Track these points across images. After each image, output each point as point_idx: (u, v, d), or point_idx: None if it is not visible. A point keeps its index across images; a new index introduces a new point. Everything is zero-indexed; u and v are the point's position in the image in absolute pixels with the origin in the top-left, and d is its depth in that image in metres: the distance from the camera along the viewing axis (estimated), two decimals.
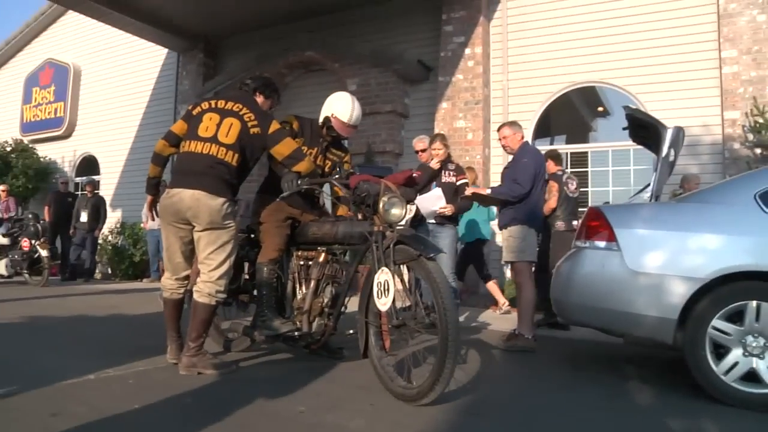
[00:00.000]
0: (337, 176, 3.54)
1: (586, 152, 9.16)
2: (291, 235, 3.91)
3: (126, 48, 13.61)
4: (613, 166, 8.77)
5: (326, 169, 4.16)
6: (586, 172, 8.98)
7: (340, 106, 4.05)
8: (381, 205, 3.13)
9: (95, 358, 3.87)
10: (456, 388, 3.23)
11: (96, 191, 11.84)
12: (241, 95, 3.84)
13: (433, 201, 5.35)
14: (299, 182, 3.58)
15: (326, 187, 3.99)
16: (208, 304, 3.55)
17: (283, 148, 3.68)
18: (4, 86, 16.34)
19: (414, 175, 3.62)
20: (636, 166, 8.51)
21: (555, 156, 6.64)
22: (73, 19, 14.66)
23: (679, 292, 3.42)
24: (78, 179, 14.42)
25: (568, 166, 9.05)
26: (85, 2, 10.33)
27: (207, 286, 3.53)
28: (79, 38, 14.72)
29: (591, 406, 3.27)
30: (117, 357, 3.89)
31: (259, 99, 3.93)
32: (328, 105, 4.10)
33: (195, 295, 3.56)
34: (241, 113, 3.65)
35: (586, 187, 8.91)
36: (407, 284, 3.16)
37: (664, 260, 3.58)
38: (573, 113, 10.32)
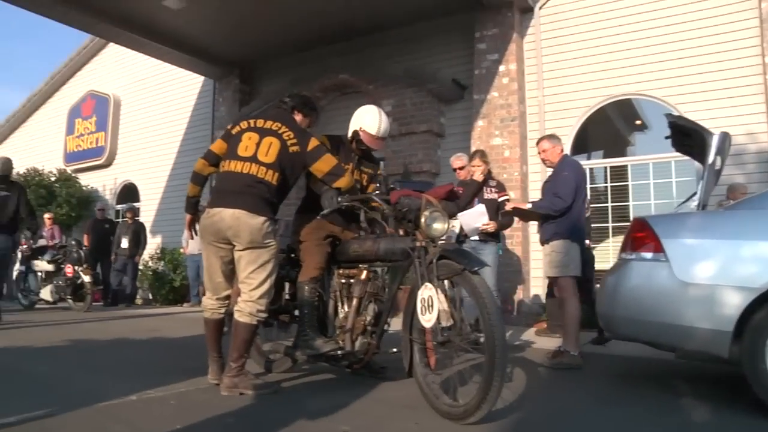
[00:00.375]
0: (377, 192, 3.49)
1: (625, 165, 8.98)
2: (332, 254, 3.87)
3: (163, 77, 13.94)
4: (654, 178, 8.57)
5: (363, 183, 4.14)
6: (627, 185, 8.80)
7: (368, 120, 4.03)
8: (423, 220, 3.07)
9: (136, 380, 3.87)
10: (503, 406, 3.12)
11: (136, 218, 12.06)
12: (280, 114, 3.84)
13: (475, 218, 5.29)
14: (340, 199, 3.56)
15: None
16: (249, 324, 3.52)
17: (323, 165, 3.66)
18: (49, 118, 16.84)
19: (455, 189, 3.56)
20: (678, 178, 8.30)
21: None
22: (112, 51, 15.08)
23: (734, 303, 3.28)
24: (119, 207, 14.71)
25: (608, 180, 8.91)
26: (124, 34, 10.62)
27: (248, 306, 3.51)
28: (118, 70, 15.12)
29: (644, 422, 3.14)
30: (158, 378, 3.90)
31: (298, 117, 3.92)
32: (356, 119, 4.09)
33: (236, 315, 3.54)
34: (280, 132, 3.66)
35: (627, 201, 8.74)
36: (450, 301, 3.08)
37: (715, 270, 3.44)
38: (610, 127, 10.16)
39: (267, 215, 3.51)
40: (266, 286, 3.54)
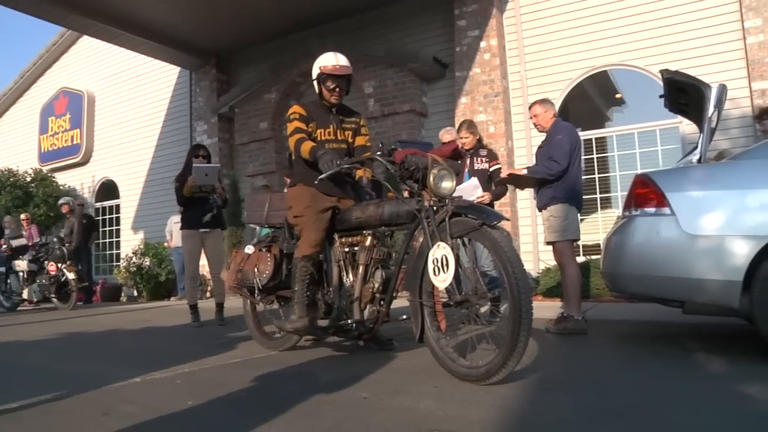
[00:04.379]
0: (379, 152, 3.37)
1: (608, 137, 8.98)
2: (331, 222, 3.73)
3: (138, 71, 13.65)
4: (639, 148, 8.58)
5: (349, 140, 3.97)
6: (612, 156, 8.81)
7: (324, 60, 3.83)
8: (431, 179, 2.98)
9: (137, 365, 3.78)
10: (520, 368, 3.06)
11: (74, 210, 11.43)
12: None
13: (469, 191, 5.20)
14: (339, 162, 3.44)
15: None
16: None
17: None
18: (20, 118, 16.43)
19: (459, 147, 3.48)
20: (663, 146, 8.33)
21: None
22: (84, 47, 14.76)
23: (743, 253, 3.26)
24: (98, 204, 14.45)
25: (594, 152, 8.91)
26: (96, 25, 10.37)
27: None
28: (91, 65, 14.78)
29: (663, 376, 3.10)
30: (159, 362, 3.80)
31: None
32: (315, 68, 3.88)
33: None
34: None
35: (610, 172, 8.76)
36: (459, 258, 3.00)
37: (723, 221, 3.42)
38: (590, 103, 10.18)
39: None
40: None
